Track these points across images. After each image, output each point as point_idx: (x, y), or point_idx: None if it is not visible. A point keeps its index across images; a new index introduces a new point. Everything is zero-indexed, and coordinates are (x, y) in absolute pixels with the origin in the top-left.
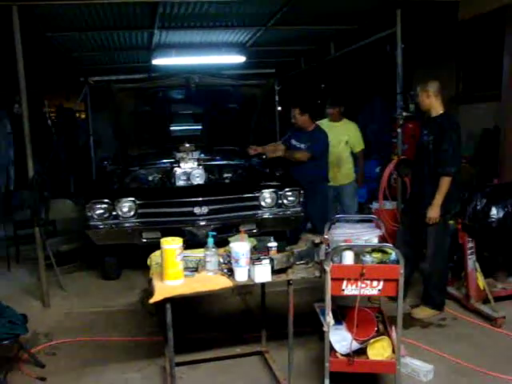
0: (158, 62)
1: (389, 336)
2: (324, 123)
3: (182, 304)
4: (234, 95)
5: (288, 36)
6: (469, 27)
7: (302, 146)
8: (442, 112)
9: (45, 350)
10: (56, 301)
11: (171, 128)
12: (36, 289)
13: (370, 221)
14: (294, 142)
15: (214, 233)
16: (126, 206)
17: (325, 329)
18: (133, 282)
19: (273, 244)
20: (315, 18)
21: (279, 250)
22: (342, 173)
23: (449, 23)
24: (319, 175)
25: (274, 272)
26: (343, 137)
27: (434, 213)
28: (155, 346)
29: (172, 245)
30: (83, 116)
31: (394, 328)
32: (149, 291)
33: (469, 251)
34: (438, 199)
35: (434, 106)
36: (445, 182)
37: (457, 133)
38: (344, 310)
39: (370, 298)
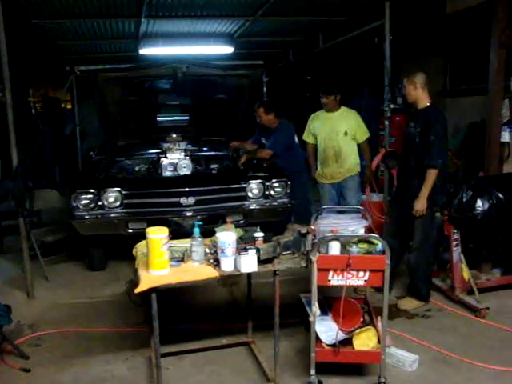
0: (146, 51)
1: (374, 326)
2: (320, 115)
3: (168, 295)
4: (222, 86)
5: (276, 27)
6: (456, 20)
7: (265, 142)
8: (428, 104)
9: (29, 341)
10: (41, 292)
11: (158, 118)
12: (20, 280)
13: (356, 212)
14: (263, 140)
15: (201, 223)
16: (112, 196)
17: (311, 319)
18: (119, 272)
19: (259, 234)
20: (304, 8)
21: (265, 240)
22: (344, 168)
23: (436, 16)
24: (293, 166)
25: (260, 262)
26: (341, 127)
27: (420, 205)
28: (141, 337)
29: (158, 234)
30: (69, 106)
31: (379, 318)
32: (134, 282)
33: (454, 243)
34: (425, 191)
35: (421, 98)
36: (431, 175)
37: (443, 125)
38: (330, 301)
39: (356, 288)
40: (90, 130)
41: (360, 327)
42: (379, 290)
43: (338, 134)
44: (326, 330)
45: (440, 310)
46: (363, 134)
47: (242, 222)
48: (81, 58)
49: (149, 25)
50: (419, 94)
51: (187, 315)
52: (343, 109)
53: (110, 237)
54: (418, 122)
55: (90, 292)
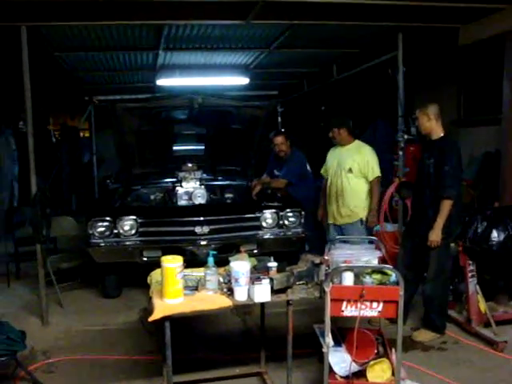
0: (162, 82)
1: (388, 358)
2: (335, 148)
3: (181, 323)
4: (237, 116)
5: (291, 58)
6: (469, 52)
7: (279, 173)
8: (442, 135)
9: (42, 367)
10: (55, 318)
11: (174, 148)
12: (35, 306)
13: (370, 242)
14: (275, 172)
15: (215, 252)
16: (128, 224)
17: (324, 350)
18: (132, 300)
19: (273, 264)
20: (318, 41)
21: (279, 270)
22: (344, 209)
23: (449, 48)
24: (306, 195)
25: (274, 292)
26: (346, 163)
27: (435, 236)
28: (154, 366)
29: (173, 263)
30: (87, 135)
31: (393, 350)
32: (148, 310)
33: (470, 274)
34: (440, 222)
35: (435, 129)
36: (446, 205)
37: (457, 156)
38: (343, 332)
39: (370, 320)
40: (106, 158)
41: (374, 359)
42: (393, 321)
43: (342, 170)
44: (340, 361)
45: (456, 342)
46: (370, 172)
47: (255, 251)
48: (99, 88)
49: (166, 56)
50: (433, 126)
51: (200, 344)
52: (356, 143)
53: (125, 264)
54: (432, 152)
55: (103, 319)
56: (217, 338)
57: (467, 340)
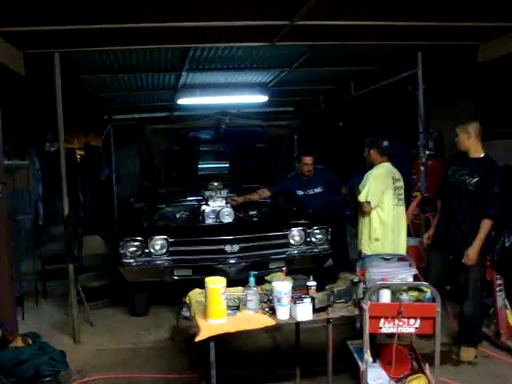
0: (183, 101)
1: (424, 374)
2: None
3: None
4: (262, 135)
5: (309, 76)
6: (487, 67)
7: (318, 189)
8: (484, 154)
9: None
10: (86, 337)
11: (199, 166)
12: (65, 324)
13: (402, 259)
14: (299, 192)
15: (256, 272)
16: (159, 243)
17: (362, 367)
18: (161, 318)
19: (312, 283)
20: (337, 59)
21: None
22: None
23: (467, 64)
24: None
25: (315, 311)
26: (360, 186)
27: (474, 254)
28: (187, 383)
29: (217, 284)
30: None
31: (427, 365)
32: (179, 328)
33: (498, 288)
34: (479, 241)
35: (474, 147)
36: (488, 225)
37: (500, 176)
38: (376, 348)
39: (399, 335)
40: (123, 176)
41: (409, 374)
42: (423, 336)
43: (358, 193)
44: (376, 377)
45: (486, 356)
46: (361, 195)
47: (283, 268)
48: (117, 107)
49: (188, 76)
50: (473, 143)
51: (230, 361)
52: (381, 165)
53: (154, 283)
54: (474, 171)
55: (133, 337)
56: (247, 355)
57: (497, 354)
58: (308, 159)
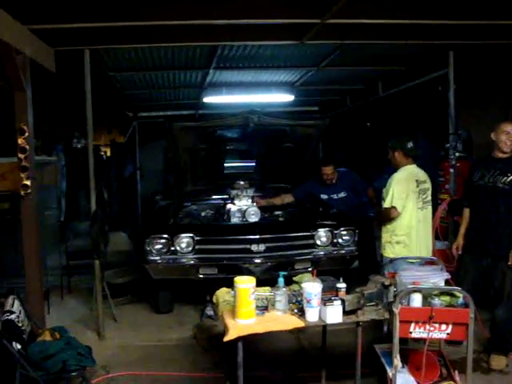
0: (209, 99)
1: (454, 380)
2: None
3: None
4: (290, 134)
5: (336, 76)
6: None
7: (342, 194)
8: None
9: (103, 381)
10: (110, 333)
11: (225, 165)
12: (89, 319)
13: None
14: (323, 196)
15: (285, 272)
16: (185, 241)
17: (391, 372)
18: (184, 316)
19: (342, 285)
20: (365, 59)
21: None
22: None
23: (500, 63)
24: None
25: (345, 313)
26: (384, 192)
27: None
28: (211, 382)
29: (246, 284)
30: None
31: (456, 373)
32: (202, 327)
33: None
34: None
35: None
36: None
37: None
38: (405, 352)
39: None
40: (146, 173)
41: (438, 381)
42: (452, 342)
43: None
44: (403, 382)
45: None
46: (385, 200)
47: (310, 269)
48: (142, 104)
49: (215, 75)
50: None
51: (255, 361)
52: (407, 167)
53: (179, 281)
54: (505, 170)
55: (157, 334)
56: (271, 356)
57: None
58: (327, 169)
